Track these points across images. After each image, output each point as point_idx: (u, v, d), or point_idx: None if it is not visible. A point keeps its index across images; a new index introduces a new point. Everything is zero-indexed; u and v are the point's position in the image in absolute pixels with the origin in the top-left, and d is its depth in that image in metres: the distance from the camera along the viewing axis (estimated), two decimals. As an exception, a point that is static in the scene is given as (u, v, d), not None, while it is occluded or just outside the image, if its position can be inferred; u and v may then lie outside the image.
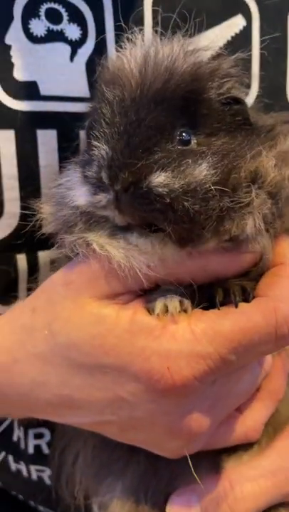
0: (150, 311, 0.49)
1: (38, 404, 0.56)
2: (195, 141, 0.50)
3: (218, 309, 0.48)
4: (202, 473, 0.58)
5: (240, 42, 0.66)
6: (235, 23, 0.67)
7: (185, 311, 0.49)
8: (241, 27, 0.67)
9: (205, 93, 0.51)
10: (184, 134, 0.50)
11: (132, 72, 0.50)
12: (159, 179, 0.46)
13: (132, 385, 0.49)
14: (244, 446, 0.59)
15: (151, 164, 0.46)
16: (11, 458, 0.80)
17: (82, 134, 0.62)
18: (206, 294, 0.50)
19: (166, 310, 0.48)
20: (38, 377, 0.54)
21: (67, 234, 0.51)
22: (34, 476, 0.79)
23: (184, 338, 0.47)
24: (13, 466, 0.80)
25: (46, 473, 0.78)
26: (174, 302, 0.49)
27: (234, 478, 0.57)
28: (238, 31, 0.67)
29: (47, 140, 0.62)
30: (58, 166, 0.63)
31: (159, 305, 0.48)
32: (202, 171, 0.47)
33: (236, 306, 0.48)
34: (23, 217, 0.62)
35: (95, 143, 0.49)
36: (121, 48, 0.59)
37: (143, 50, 0.52)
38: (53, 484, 0.70)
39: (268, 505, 0.58)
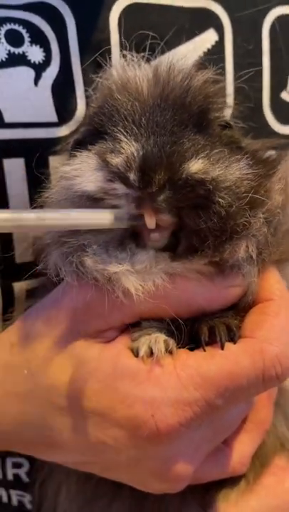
0: (134, 351, 0.48)
1: (19, 442, 0.55)
2: None
3: (204, 350, 0.46)
4: (189, 510, 0.58)
5: (212, 57, 0.64)
6: (208, 38, 0.65)
7: (170, 352, 0.47)
8: (214, 42, 0.65)
9: (210, 113, 0.51)
10: None
11: (148, 80, 0.51)
12: (197, 166, 0.45)
13: (115, 430, 0.47)
14: (231, 482, 0.58)
15: (182, 153, 0.45)
16: None
17: (52, 160, 0.60)
18: (191, 331, 0.49)
19: (150, 352, 0.46)
20: (19, 417, 0.53)
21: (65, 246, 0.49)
22: (15, 501, 0.76)
23: (169, 384, 0.45)
24: None
25: (27, 499, 0.75)
26: (158, 343, 0.47)
27: None
28: (210, 46, 0.65)
29: (14, 169, 0.60)
30: (28, 197, 0.61)
31: (143, 347, 0.47)
32: (241, 168, 0.47)
33: (222, 348, 0.46)
34: None
35: (122, 137, 0.47)
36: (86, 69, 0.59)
37: (152, 64, 0.53)
38: None
39: None
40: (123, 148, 0.46)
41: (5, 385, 0.53)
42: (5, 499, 0.77)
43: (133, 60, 0.55)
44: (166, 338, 0.48)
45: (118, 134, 0.48)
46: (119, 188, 0.46)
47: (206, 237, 0.45)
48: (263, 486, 0.59)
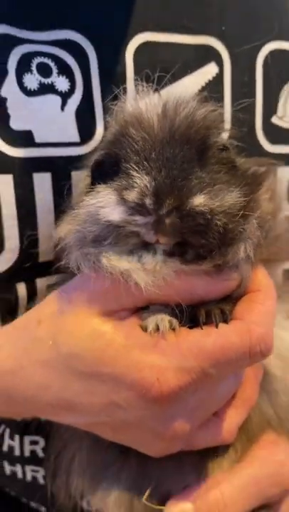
0: (143, 328, 0.56)
1: (40, 406, 0.62)
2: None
3: (202, 329, 0.55)
4: (186, 476, 0.65)
5: (213, 87, 0.72)
6: (209, 71, 0.73)
7: (173, 329, 0.55)
8: (214, 74, 0.73)
9: (210, 140, 0.59)
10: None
11: (158, 115, 0.58)
12: (200, 200, 0.53)
13: (126, 392, 0.55)
14: (222, 451, 0.66)
15: (190, 188, 0.53)
16: (6, 463, 0.85)
17: (74, 174, 0.68)
18: (191, 314, 0.57)
19: (157, 328, 0.55)
20: (42, 382, 0.60)
21: (85, 248, 0.57)
22: (29, 477, 0.84)
23: (172, 353, 0.53)
24: (7, 469, 0.85)
25: (40, 474, 0.83)
26: (164, 322, 0.55)
27: (224, 486, 0.63)
28: (211, 78, 0.73)
29: (42, 182, 0.68)
30: (53, 205, 0.69)
31: (151, 324, 0.55)
32: (234, 197, 0.55)
33: (217, 327, 0.54)
34: (23, 251, 0.69)
35: (134, 173, 0.55)
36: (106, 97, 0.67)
37: (161, 98, 0.60)
38: (49, 485, 0.75)
39: (252, 507, 0.64)
40: (136, 183, 0.54)
41: (31, 355, 0.60)
42: (20, 475, 0.85)
43: (144, 91, 0.63)
44: (171, 318, 0.56)
45: (131, 171, 0.55)
46: (139, 219, 0.53)
47: (209, 249, 0.53)
48: (256, 458, 0.66)
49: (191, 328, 0.56)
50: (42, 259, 0.70)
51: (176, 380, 0.52)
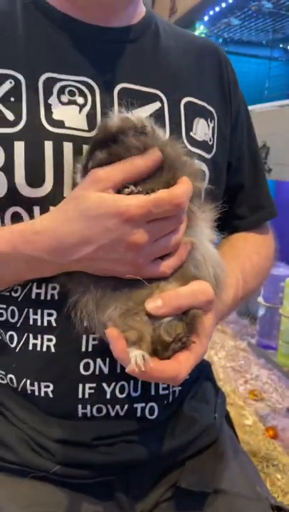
0: (124, 193, 0.87)
1: (69, 246, 0.91)
2: None
3: (148, 193, 0.86)
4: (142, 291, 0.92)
5: (158, 115, 1.08)
6: (155, 106, 1.11)
7: (138, 193, 0.86)
8: (157, 107, 1.10)
9: (125, 136, 0.91)
10: None
11: (101, 126, 0.96)
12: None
13: (112, 219, 0.86)
14: (167, 282, 0.93)
15: (89, 162, 0.94)
16: (31, 336, 1.07)
17: (84, 147, 1.01)
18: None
19: (130, 192, 0.87)
20: (67, 230, 0.90)
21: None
22: (44, 347, 1.07)
23: (135, 200, 0.86)
24: (30, 344, 1.08)
25: (52, 343, 1.06)
26: (134, 189, 0.87)
27: (176, 289, 0.94)
28: (156, 109, 1.10)
29: (68, 148, 1.02)
30: (72, 161, 1.02)
31: (126, 190, 0.87)
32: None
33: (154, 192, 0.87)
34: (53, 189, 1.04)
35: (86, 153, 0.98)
36: (103, 110, 1.06)
37: (108, 119, 0.94)
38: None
39: (191, 306, 0.93)
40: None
41: (62, 217, 0.93)
42: (38, 348, 1.06)
43: (113, 114, 0.96)
44: (139, 189, 0.87)
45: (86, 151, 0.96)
46: None
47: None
48: (190, 283, 0.95)
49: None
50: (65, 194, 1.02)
51: (137, 211, 0.84)
